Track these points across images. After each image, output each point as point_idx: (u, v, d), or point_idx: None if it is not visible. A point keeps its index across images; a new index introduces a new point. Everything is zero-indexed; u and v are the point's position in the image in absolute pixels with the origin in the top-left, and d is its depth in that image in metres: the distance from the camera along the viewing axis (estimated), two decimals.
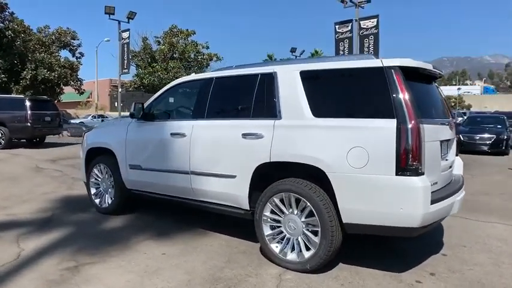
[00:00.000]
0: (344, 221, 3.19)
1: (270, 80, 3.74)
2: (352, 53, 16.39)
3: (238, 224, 4.46)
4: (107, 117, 34.14)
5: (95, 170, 5.33)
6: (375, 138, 3.02)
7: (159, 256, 3.78)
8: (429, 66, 3.42)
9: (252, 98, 3.82)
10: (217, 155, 3.94)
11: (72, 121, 27.47)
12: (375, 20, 15.73)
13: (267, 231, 3.62)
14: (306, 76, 3.52)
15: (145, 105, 4.74)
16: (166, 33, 25.51)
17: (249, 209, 3.78)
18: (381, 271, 3.45)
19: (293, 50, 32.77)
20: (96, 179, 5.36)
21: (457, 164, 4.03)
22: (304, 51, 35.23)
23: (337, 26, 16.88)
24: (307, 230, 3.38)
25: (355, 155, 3.06)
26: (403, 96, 2.99)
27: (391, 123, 2.96)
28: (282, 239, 3.56)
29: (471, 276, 3.40)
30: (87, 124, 26.42)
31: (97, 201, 5.34)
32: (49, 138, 16.06)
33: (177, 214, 5.23)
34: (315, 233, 3.33)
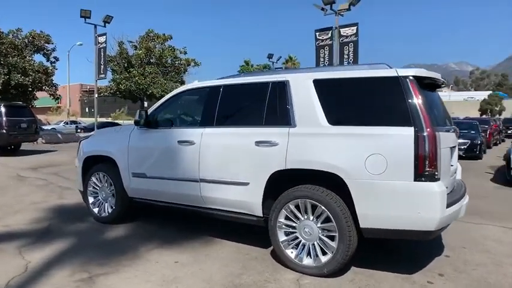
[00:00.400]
0: (361, 226, 3.28)
1: (281, 88, 3.81)
2: (332, 60, 16.75)
3: (245, 231, 4.51)
4: (80, 123, 33.25)
5: (93, 179, 5.21)
6: (393, 145, 3.14)
7: (172, 265, 3.75)
8: (438, 76, 3.59)
9: (264, 106, 3.87)
10: (228, 163, 3.96)
11: (44, 127, 26.55)
12: (355, 27, 16.15)
13: (282, 237, 3.66)
14: (319, 85, 3.61)
15: (149, 112, 4.70)
16: (142, 38, 25.15)
17: (262, 215, 3.81)
18: (392, 273, 3.57)
19: (270, 56, 33.02)
20: (94, 187, 5.24)
21: (458, 169, 4.23)
22: (280, 57, 35.58)
23: (317, 33, 17.21)
24: (323, 235, 3.46)
25: (374, 162, 3.17)
26: (419, 104, 3.13)
27: (408, 131, 3.08)
28: (297, 244, 3.61)
29: (477, 276, 3.58)
30: (60, 131, 25.63)
31: (95, 210, 5.22)
32: (24, 146, 15.45)
33: (179, 222, 5.20)
34: (332, 238, 3.41)
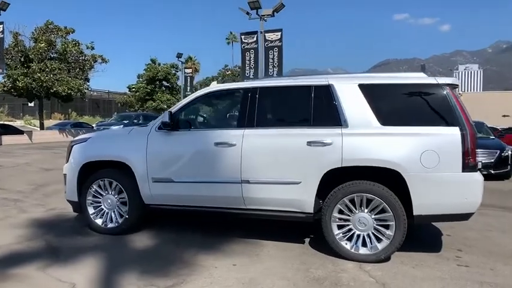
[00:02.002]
0: (415, 214, 3.74)
1: (326, 91, 4.07)
2: (257, 63, 17.39)
3: (269, 229, 4.68)
4: None
5: (95, 187, 4.73)
6: (444, 142, 3.67)
7: (234, 268, 3.72)
8: (458, 82, 4.24)
9: (310, 107, 4.08)
10: (277, 163, 4.05)
11: None
12: (279, 33, 17.02)
13: (336, 230, 3.93)
14: (365, 89, 3.97)
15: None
16: (40, 29, 22.29)
17: (312, 212, 4.02)
18: (424, 253, 4.12)
19: (179, 56, 32.62)
20: (95, 196, 4.76)
21: None
22: (190, 56, 35.36)
23: (243, 37, 17.65)
24: (378, 225, 3.84)
25: (428, 157, 3.66)
26: (459, 107, 3.72)
27: (455, 130, 3.65)
28: (351, 236, 3.91)
29: (483, 247, 4.38)
30: None
31: (98, 221, 4.74)
32: None
33: (194, 227, 5.07)
34: (386, 227, 3.80)
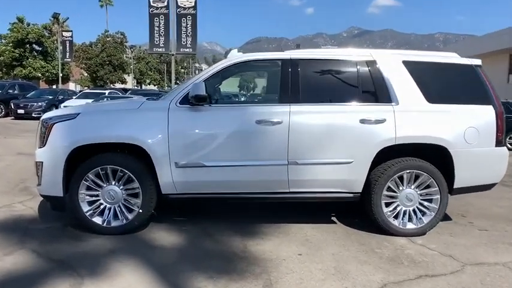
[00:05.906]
0: (456, 186, 3.97)
1: (371, 66, 3.95)
2: (168, 30, 16.03)
3: (294, 212, 4.50)
4: None
5: (92, 176, 3.76)
6: (483, 120, 3.93)
7: (302, 258, 3.43)
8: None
9: (357, 83, 3.92)
10: (327, 142, 3.81)
11: None
12: (193, 0, 15.90)
13: (384, 208, 3.93)
14: (409, 65, 3.97)
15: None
16: None
17: (360, 192, 3.93)
18: (442, 222, 4.41)
19: (55, 16, 27.93)
20: (91, 188, 3.79)
21: None
22: (68, 18, 30.53)
23: (151, 0, 15.95)
24: (423, 199, 3.96)
25: (470, 134, 3.88)
26: (490, 88, 4.02)
27: (491, 109, 3.94)
28: (397, 213, 3.95)
29: (476, 212, 4.90)
30: None
31: (97, 220, 3.81)
32: None
33: (197, 214, 4.50)
34: (430, 201, 3.95)
